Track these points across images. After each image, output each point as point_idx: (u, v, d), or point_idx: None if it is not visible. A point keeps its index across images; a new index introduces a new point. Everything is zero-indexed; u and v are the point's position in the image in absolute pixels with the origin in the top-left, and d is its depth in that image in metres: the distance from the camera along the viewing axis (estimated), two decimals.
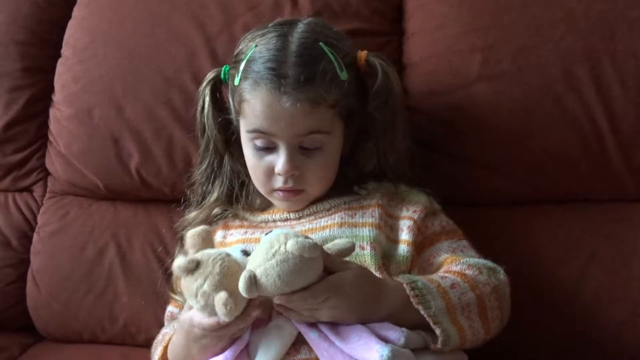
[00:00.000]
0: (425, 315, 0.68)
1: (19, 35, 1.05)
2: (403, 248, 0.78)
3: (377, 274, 0.74)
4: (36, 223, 1.05)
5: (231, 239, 0.83)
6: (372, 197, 0.82)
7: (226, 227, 0.85)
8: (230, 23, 0.98)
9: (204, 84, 0.85)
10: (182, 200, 0.92)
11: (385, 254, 0.78)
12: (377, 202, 0.81)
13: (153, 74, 0.98)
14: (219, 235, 0.84)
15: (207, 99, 0.84)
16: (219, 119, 0.84)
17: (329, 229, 0.79)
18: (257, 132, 0.78)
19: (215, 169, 0.86)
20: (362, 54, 0.81)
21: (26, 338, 1.02)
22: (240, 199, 0.86)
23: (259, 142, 0.79)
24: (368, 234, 0.78)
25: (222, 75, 0.84)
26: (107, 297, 0.98)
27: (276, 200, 0.83)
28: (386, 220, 0.80)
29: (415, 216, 0.80)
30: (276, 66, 0.76)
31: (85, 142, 1.01)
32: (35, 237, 1.04)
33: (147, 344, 0.92)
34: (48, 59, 1.05)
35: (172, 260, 0.75)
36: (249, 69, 0.78)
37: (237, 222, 0.85)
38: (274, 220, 0.83)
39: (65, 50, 1.05)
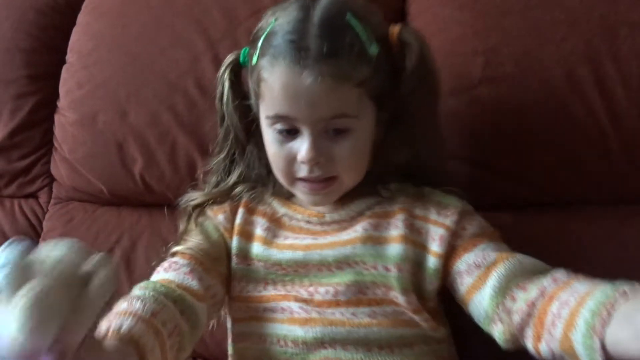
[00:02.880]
0: None
1: (24, 43, 1.06)
2: (433, 261, 0.71)
3: (403, 298, 0.70)
4: (42, 229, 1.05)
5: (256, 232, 0.76)
6: (396, 200, 0.75)
7: (249, 210, 0.78)
8: (233, 28, 0.98)
9: (223, 68, 0.78)
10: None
11: (413, 262, 0.71)
12: (400, 206, 0.74)
13: (157, 79, 0.99)
14: (239, 216, 0.77)
15: (226, 84, 0.77)
16: (239, 106, 0.76)
17: (351, 245, 0.72)
18: (277, 117, 0.70)
19: (236, 159, 0.80)
20: (395, 29, 0.72)
21: None
22: (268, 182, 0.79)
23: (279, 127, 0.71)
24: (394, 253, 0.71)
25: (241, 58, 0.76)
26: (112, 302, 0.98)
27: (301, 192, 0.74)
28: (412, 223, 0.73)
29: (448, 221, 0.72)
30: (297, 38, 0.67)
31: (90, 148, 1.01)
32: (41, 243, 1.04)
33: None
34: (53, 66, 1.06)
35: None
36: (267, 44, 0.69)
37: (261, 208, 0.78)
38: (297, 220, 0.76)
39: (70, 57, 1.06)
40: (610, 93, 0.84)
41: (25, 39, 1.07)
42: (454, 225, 0.72)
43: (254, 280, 0.74)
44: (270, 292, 0.73)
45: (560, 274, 0.65)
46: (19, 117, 1.06)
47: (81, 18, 1.06)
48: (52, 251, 0.45)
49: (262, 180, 0.80)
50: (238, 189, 0.79)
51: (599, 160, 0.86)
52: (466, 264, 0.70)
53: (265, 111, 0.72)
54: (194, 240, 0.76)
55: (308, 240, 0.75)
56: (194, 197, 0.81)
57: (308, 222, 0.77)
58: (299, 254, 0.74)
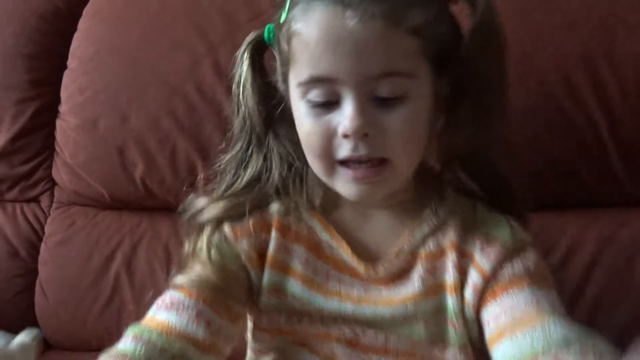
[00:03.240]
0: None
1: (25, 49, 1.07)
2: (468, 312, 0.61)
3: (462, 356, 0.61)
4: (43, 233, 1.06)
5: (293, 265, 0.63)
6: (447, 227, 0.62)
7: (283, 231, 0.63)
8: (233, 32, 0.98)
9: (243, 47, 0.65)
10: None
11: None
12: (451, 239, 0.62)
13: (157, 84, 0.99)
14: (272, 242, 0.63)
15: (246, 64, 0.64)
16: (259, 90, 0.64)
17: (411, 302, 0.61)
18: (312, 80, 0.56)
19: (253, 154, 0.65)
20: None
21: None
22: (295, 187, 0.64)
23: (314, 95, 0.56)
24: (451, 306, 0.61)
25: (265, 34, 0.64)
26: (114, 306, 0.99)
27: (342, 184, 0.59)
28: (461, 265, 0.62)
29: (487, 266, 0.60)
30: None
31: (91, 152, 1.02)
32: (42, 247, 1.05)
33: None
34: (54, 71, 1.06)
35: (177, 265, 0.64)
36: None
37: (298, 228, 0.63)
38: (342, 259, 0.62)
39: (71, 62, 1.06)
40: (607, 97, 0.85)
41: (27, 44, 1.07)
42: (492, 270, 0.60)
43: (287, 313, 0.63)
44: (306, 327, 0.62)
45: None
46: (21, 122, 1.06)
47: (82, 24, 1.06)
48: None
49: (286, 187, 0.65)
50: (266, 200, 0.64)
51: (596, 164, 0.86)
52: (491, 314, 0.60)
53: (297, 78, 0.58)
54: (203, 269, 0.61)
55: (358, 290, 0.62)
56: (201, 205, 0.65)
57: (356, 265, 0.63)
58: (347, 307, 0.62)
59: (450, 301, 0.61)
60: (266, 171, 0.65)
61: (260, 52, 0.65)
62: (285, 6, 0.59)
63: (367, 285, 0.62)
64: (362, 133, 0.56)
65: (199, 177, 0.81)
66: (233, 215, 0.64)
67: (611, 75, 0.84)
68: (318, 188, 0.64)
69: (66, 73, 1.06)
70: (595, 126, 0.85)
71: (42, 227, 1.06)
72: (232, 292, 0.61)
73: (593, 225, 0.88)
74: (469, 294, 0.61)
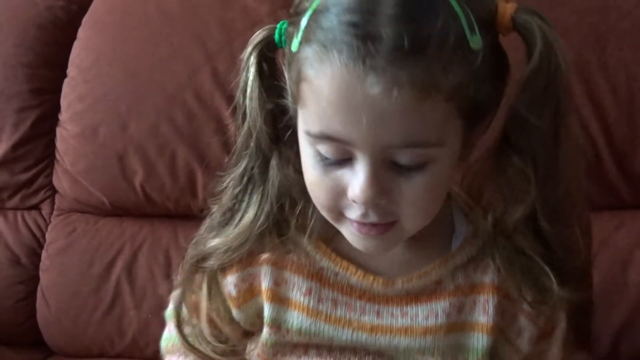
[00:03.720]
0: None
1: (26, 58, 1.07)
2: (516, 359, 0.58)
3: None
4: (44, 240, 1.07)
5: (293, 296, 0.57)
6: (486, 263, 0.56)
7: (275, 263, 0.57)
8: (230, 41, 0.99)
9: (249, 49, 0.54)
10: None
11: (495, 356, 0.57)
12: (492, 278, 0.55)
13: (156, 92, 1.00)
14: (264, 275, 0.57)
15: (252, 71, 0.53)
16: (268, 102, 0.54)
17: (432, 335, 0.56)
18: (323, 137, 0.48)
19: (255, 176, 0.56)
20: (508, 8, 0.48)
21: (37, 353, 1.03)
22: (290, 220, 0.56)
23: (324, 150, 0.48)
24: (478, 345, 0.56)
25: (276, 37, 0.52)
26: (115, 312, 1.00)
27: (349, 234, 0.52)
28: (505, 309, 0.56)
29: (542, 319, 0.57)
30: (361, 20, 0.44)
31: (91, 160, 1.03)
32: (44, 254, 1.05)
33: (155, 357, 0.93)
34: (54, 80, 1.07)
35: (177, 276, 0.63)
36: (314, 26, 0.46)
37: (296, 258, 0.57)
38: (348, 281, 0.56)
39: (70, 71, 1.07)
40: (600, 103, 0.86)
41: (27, 54, 1.08)
42: (544, 324, 0.57)
43: (292, 346, 0.59)
44: (312, 357, 0.59)
45: None
46: (22, 131, 1.07)
47: (81, 33, 1.07)
48: None
49: (284, 212, 0.57)
50: (257, 230, 0.56)
51: (589, 168, 0.87)
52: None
53: (305, 124, 0.50)
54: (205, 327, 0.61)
55: (370, 316, 0.57)
56: (211, 249, 0.58)
57: (366, 285, 0.57)
58: (360, 337, 0.57)
59: (480, 342, 0.56)
60: (269, 198, 0.56)
61: (269, 54, 0.54)
62: (298, 31, 0.48)
63: (380, 308, 0.57)
64: (375, 203, 0.48)
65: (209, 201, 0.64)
66: (233, 259, 0.57)
67: (604, 82, 0.86)
68: (319, 220, 0.56)
69: (66, 82, 1.07)
70: (589, 132, 0.87)
71: (43, 235, 1.07)
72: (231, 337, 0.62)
73: None
74: (525, 344, 0.57)
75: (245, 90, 0.54)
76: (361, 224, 0.50)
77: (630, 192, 0.89)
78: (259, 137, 0.55)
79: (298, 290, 0.57)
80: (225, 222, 0.58)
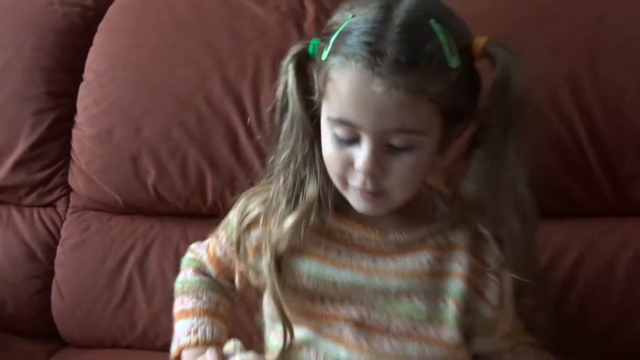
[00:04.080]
0: None
1: (44, 62, 1.12)
2: (489, 312, 0.70)
3: (456, 337, 0.69)
4: (60, 236, 1.11)
5: (306, 248, 0.71)
6: (459, 230, 0.71)
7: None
8: (240, 48, 1.04)
9: (288, 58, 0.71)
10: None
11: (469, 305, 0.70)
12: (463, 242, 0.71)
13: (168, 97, 1.05)
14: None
15: (292, 74, 0.70)
16: (303, 98, 0.70)
17: (417, 277, 0.70)
18: (340, 121, 0.65)
19: (306, 154, 0.71)
20: (481, 40, 0.65)
21: (51, 344, 1.08)
22: (328, 199, 0.71)
23: (339, 132, 0.66)
24: (454, 288, 0.69)
25: (310, 49, 0.70)
26: (126, 305, 1.04)
27: (352, 198, 0.69)
28: (476, 267, 0.70)
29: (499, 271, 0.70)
30: (373, 40, 0.61)
31: (106, 161, 1.07)
32: (59, 249, 1.10)
33: (165, 348, 0.97)
34: (71, 84, 1.12)
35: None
36: (340, 42, 0.64)
37: (314, 222, 0.71)
38: (351, 237, 0.72)
39: (87, 75, 1.12)
40: (590, 113, 0.91)
41: (45, 58, 1.12)
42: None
43: (300, 297, 0.72)
44: (317, 308, 0.72)
45: None
46: (39, 132, 1.12)
47: (97, 39, 1.12)
48: None
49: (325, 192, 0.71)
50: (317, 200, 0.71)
51: (578, 175, 0.92)
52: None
53: (328, 112, 0.67)
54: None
55: (367, 262, 0.71)
56: (285, 231, 0.71)
57: (365, 239, 0.72)
58: (359, 278, 0.71)
59: (456, 286, 0.70)
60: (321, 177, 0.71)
61: (304, 63, 0.71)
62: (328, 46, 0.66)
63: (375, 257, 0.71)
64: (372, 174, 0.66)
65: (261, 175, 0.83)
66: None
67: (594, 94, 0.90)
68: (333, 194, 0.72)
69: (82, 85, 1.12)
70: (578, 141, 0.91)
71: (59, 231, 1.12)
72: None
73: (576, 233, 0.94)
74: (492, 295, 0.70)
75: (286, 88, 0.71)
76: (360, 190, 0.67)
77: (617, 198, 0.93)
78: (302, 123, 0.71)
79: (310, 243, 0.72)
80: (291, 199, 0.72)
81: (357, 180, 0.67)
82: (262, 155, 1.01)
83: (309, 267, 0.72)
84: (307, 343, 0.72)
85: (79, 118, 1.11)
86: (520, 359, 0.75)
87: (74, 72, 1.12)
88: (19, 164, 1.12)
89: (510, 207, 0.69)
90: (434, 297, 0.70)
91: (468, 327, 0.71)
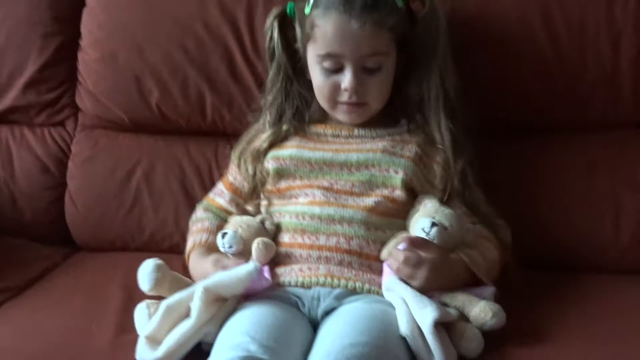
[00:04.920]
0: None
1: None
2: (438, 195, 0.92)
3: (403, 195, 0.92)
4: (70, 152, 1.19)
5: (287, 144, 0.98)
6: (414, 134, 0.95)
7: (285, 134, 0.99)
8: None
9: (271, 18, 0.99)
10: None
11: (417, 180, 0.93)
12: (417, 140, 0.95)
13: (169, 22, 1.12)
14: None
15: (276, 31, 0.98)
16: (286, 48, 0.97)
17: (373, 152, 0.94)
18: (328, 55, 0.91)
19: (288, 90, 0.99)
20: None
21: (66, 248, 1.16)
22: (305, 117, 0.99)
23: (327, 64, 0.92)
24: (404, 163, 0.93)
25: (288, 11, 0.97)
26: (135, 212, 1.13)
27: (340, 113, 0.95)
28: (422, 157, 0.94)
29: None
30: None
31: (111, 81, 1.15)
32: (70, 164, 1.18)
33: (171, 250, 1.10)
34: (75, 9, 1.18)
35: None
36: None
37: (297, 130, 0.99)
38: (326, 135, 0.98)
39: (90, 1, 1.17)
40: (556, 34, 1.01)
41: None
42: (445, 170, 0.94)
43: (285, 176, 0.96)
44: (297, 183, 0.95)
45: None
46: (46, 55, 1.18)
47: None
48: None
49: (300, 114, 0.99)
50: (285, 127, 0.99)
51: (543, 90, 1.03)
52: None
53: (316, 51, 0.93)
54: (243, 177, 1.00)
55: (335, 146, 0.97)
56: (265, 137, 0.99)
57: (337, 136, 0.98)
58: (328, 154, 0.96)
59: (407, 162, 0.93)
60: (296, 103, 1.00)
61: (284, 21, 0.98)
62: (309, 3, 0.92)
63: (342, 142, 0.97)
64: (356, 90, 0.92)
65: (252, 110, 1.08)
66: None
67: (561, 17, 1.01)
68: (314, 112, 1.01)
69: (86, 11, 1.17)
70: (544, 58, 1.02)
71: (69, 147, 1.19)
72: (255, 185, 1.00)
73: (548, 148, 1.07)
74: (439, 182, 0.94)
75: (271, 41, 0.99)
76: (348, 104, 0.95)
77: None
78: (285, 67, 0.99)
79: (292, 141, 0.99)
80: (275, 120, 1.01)
81: (344, 97, 0.93)
82: (256, 75, 1.10)
83: (290, 152, 0.97)
84: (285, 212, 0.94)
85: (83, 42, 1.17)
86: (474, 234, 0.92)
87: None
88: (28, 86, 1.19)
89: (442, 112, 0.94)
90: (387, 168, 0.93)
91: (416, 188, 0.93)
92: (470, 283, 0.85)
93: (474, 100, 1.03)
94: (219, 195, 1.03)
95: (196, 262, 0.95)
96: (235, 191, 1.02)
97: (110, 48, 1.15)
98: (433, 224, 0.84)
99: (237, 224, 0.92)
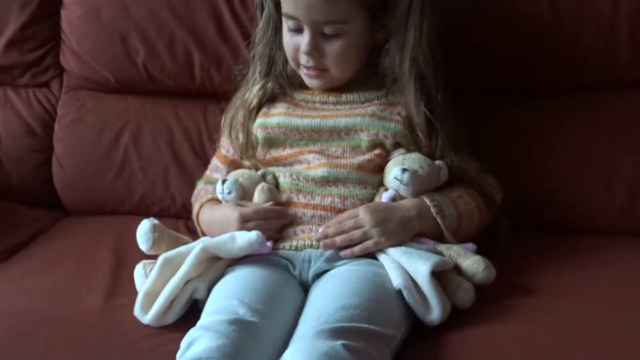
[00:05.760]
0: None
1: None
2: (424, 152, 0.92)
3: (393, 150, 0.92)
4: (56, 114, 1.17)
5: (274, 111, 0.96)
6: (402, 95, 0.93)
7: (271, 100, 0.98)
8: None
9: None
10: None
11: (404, 142, 0.92)
12: (404, 101, 0.93)
13: None
14: (263, 108, 0.98)
15: None
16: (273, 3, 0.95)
17: (361, 117, 0.93)
18: (288, 16, 0.90)
19: (278, 41, 0.96)
20: None
21: (56, 212, 1.15)
22: (287, 76, 0.97)
23: (290, 24, 0.91)
24: (394, 127, 0.92)
25: None
26: (124, 175, 1.12)
27: (303, 75, 0.95)
28: (409, 121, 0.92)
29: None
30: None
31: (96, 40, 1.12)
32: (56, 126, 1.16)
33: (161, 214, 1.09)
34: None
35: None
36: None
37: (281, 97, 0.98)
38: (313, 102, 0.96)
39: None
40: None
41: None
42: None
43: (275, 145, 0.95)
44: (287, 152, 0.95)
45: None
46: (28, 12, 1.15)
47: None
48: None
49: (287, 74, 0.97)
50: (270, 85, 0.97)
51: (541, 49, 1.00)
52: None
53: (283, 8, 0.92)
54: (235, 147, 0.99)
55: (323, 112, 0.95)
56: (254, 92, 0.98)
57: (325, 102, 0.96)
58: (316, 121, 0.94)
59: (396, 125, 0.93)
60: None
61: None
62: None
63: (330, 108, 0.96)
64: (311, 54, 0.91)
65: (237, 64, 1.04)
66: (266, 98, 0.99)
67: None
68: (299, 77, 0.98)
69: None
70: (544, 20, 1.00)
71: (55, 109, 1.17)
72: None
73: (543, 111, 1.05)
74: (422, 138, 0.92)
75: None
76: (307, 67, 0.94)
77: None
78: (273, 17, 0.96)
79: (280, 108, 0.98)
80: (266, 71, 0.99)
81: (303, 60, 0.93)
82: (245, 34, 1.07)
83: (277, 120, 0.96)
84: (280, 175, 0.94)
85: None
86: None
87: None
88: (10, 45, 1.16)
89: (416, 91, 0.91)
90: (375, 132, 0.93)
91: (405, 147, 0.93)
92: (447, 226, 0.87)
93: (474, 62, 1.02)
94: (216, 171, 1.02)
95: (211, 210, 0.94)
96: (231, 164, 1.01)
97: (94, 4, 1.11)
98: (404, 170, 0.87)
99: (238, 174, 0.94)
